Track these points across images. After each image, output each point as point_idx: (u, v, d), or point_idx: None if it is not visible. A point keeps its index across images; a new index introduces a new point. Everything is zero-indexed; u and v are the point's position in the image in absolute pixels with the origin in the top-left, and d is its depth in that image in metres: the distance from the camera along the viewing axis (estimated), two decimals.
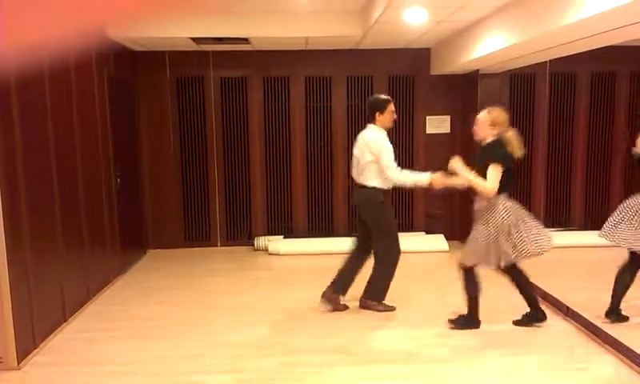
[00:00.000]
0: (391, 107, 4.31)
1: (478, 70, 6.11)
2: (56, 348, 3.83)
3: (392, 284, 4.83)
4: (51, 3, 0.49)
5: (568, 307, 4.20)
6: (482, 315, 4.06)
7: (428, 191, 6.84)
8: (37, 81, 3.86)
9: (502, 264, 3.85)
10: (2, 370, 3.42)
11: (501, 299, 4.74)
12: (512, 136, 3.85)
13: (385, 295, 4.43)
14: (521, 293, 4.02)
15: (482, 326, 4.08)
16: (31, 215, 3.69)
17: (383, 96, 4.45)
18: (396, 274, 5.58)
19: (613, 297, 3.90)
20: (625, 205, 3.83)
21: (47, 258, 3.96)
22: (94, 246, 4.84)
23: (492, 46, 4.63)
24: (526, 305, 4.05)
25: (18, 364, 3.47)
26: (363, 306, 4.46)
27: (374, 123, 4.30)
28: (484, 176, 3.75)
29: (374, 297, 4.42)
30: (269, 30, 5.41)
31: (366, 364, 3.50)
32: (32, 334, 3.68)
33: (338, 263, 4.53)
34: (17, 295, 3.46)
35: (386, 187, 4.26)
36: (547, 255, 3.90)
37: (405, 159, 6.81)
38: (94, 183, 4.92)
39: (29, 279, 3.65)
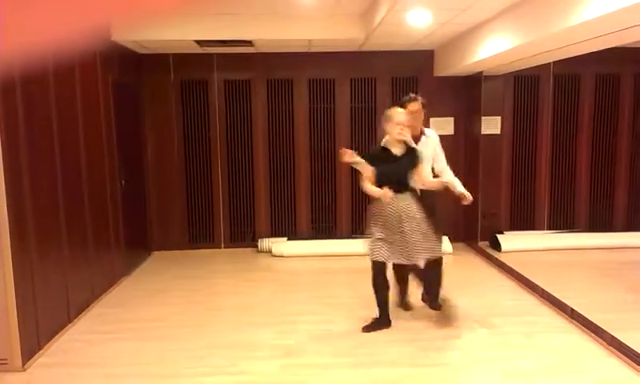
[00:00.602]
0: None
1: (481, 72, 6.11)
2: (61, 349, 3.85)
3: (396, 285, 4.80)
4: (55, 4, 0.49)
5: (572, 309, 4.19)
6: (486, 319, 4.06)
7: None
8: (42, 83, 3.89)
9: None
10: (7, 371, 3.44)
11: (499, 302, 4.73)
12: None
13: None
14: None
15: (485, 329, 4.07)
16: (36, 217, 3.71)
17: (403, 99, 4.23)
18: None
19: None
20: None
21: (52, 260, 3.98)
22: (98, 248, 4.86)
23: (496, 48, 4.63)
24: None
25: (23, 365, 3.49)
26: None
27: None
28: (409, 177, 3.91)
29: None
30: (272, 32, 5.43)
31: (369, 367, 3.50)
32: (37, 336, 3.69)
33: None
34: (22, 297, 3.48)
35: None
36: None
37: None
38: (98, 185, 4.94)
39: (34, 281, 3.67)
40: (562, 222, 6.83)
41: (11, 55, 0.53)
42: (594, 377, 3.33)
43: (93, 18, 0.51)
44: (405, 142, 3.90)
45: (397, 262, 3.97)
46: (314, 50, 6.38)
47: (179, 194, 6.74)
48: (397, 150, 3.91)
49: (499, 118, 6.58)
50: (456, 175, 4.38)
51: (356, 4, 5.00)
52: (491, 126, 6.51)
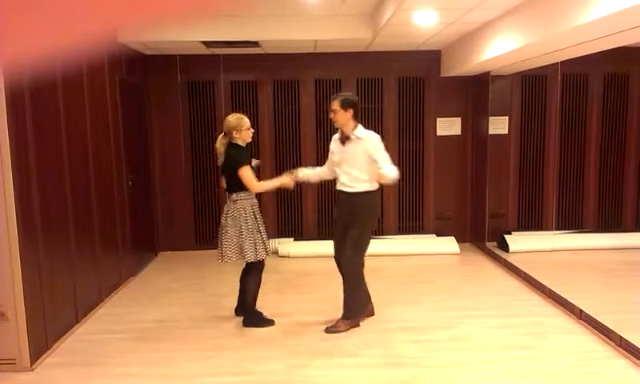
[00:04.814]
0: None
1: (488, 72, 6.08)
2: (68, 349, 3.87)
3: (403, 286, 4.80)
4: (63, 8, 0.49)
5: (581, 310, 4.15)
6: (493, 320, 4.03)
7: (439, 193, 6.83)
8: (50, 86, 3.91)
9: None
10: (15, 370, 3.46)
11: (507, 303, 4.70)
12: None
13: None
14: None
15: (492, 329, 4.05)
16: (44, 218, 3.73)
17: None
18: (406, 276, 5.58)
19: None
20: None
21: (60, 261, 4.00)
22: (105, 249, 4.88)
23: (503, 47, 4.60)
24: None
25: (31, 365, 3.51)
26: None
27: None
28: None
29: None
30: (279, 32, 5.43)
31: (374, 368, 3.49)
32: (45, 336, 3.71)
33: None
34: (30, 297, 3.50)
35: None
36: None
37: (415, 161, 6.80)
38: (106, 186, 4.96)
39: (42, 281, 3.69)
40: (571, 222, 6.78)
41: (20, 59, 0.53)
42: (603, 378, 3.30)
43: (101, 24, 0.51)
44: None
45: None
46: (320, 50, 6.37)
47: (186, 195, 6.76)
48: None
49: (507, 117, 6.54)
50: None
51: (362, 4, 4.99)
52: (499, 125, 6.48)
